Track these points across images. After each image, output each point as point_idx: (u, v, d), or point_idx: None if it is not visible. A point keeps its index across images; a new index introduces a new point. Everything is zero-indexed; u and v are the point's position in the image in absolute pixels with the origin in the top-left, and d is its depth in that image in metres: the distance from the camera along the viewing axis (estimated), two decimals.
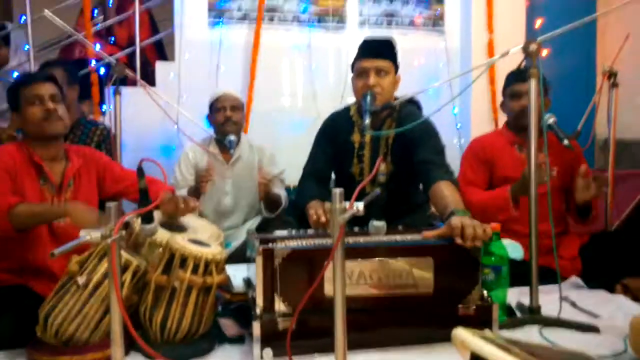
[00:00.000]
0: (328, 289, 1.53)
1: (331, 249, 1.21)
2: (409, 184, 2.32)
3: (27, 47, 3.33)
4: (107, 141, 2.68)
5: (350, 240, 1.65)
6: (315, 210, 1.97)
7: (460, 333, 1.22)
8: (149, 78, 3.33)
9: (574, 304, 1.97)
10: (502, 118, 3.41)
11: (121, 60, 2.64)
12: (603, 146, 3.55)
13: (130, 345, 1.56)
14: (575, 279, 2.22)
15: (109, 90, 2.54)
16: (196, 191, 2.66)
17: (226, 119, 2.76)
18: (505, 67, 2.57)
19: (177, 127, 2.65)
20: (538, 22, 3.62)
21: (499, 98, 2.60)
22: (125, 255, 1.61)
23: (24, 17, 3.29)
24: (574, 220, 2.46)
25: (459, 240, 1.60)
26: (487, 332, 1.29)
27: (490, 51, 3.62)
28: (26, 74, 2.26)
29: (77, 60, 3.65)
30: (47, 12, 2.29)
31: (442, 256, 1.63)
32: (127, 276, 1.60)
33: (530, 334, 1.71)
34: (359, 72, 2.19)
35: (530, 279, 1.85)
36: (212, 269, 1.60)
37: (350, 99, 2.48)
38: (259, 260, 1.55)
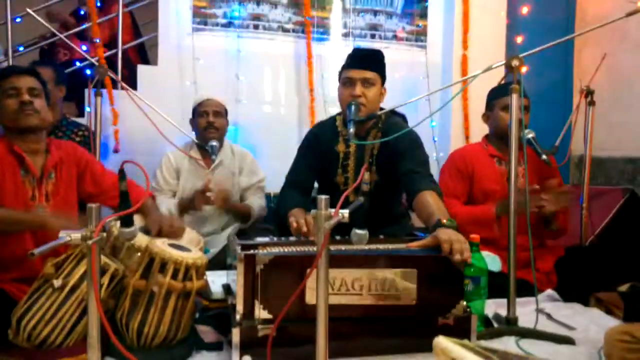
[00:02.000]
0: (309, 297, 1.53)
1: (314, 256, 1.20)
2: (392, 194, 2.34)
3: (20, 48, 3.30)
4: (89, 143, 2.64)
5: (333, 248, 1.65)
6: (297, 219, 1.96)
7: (442, 342, 1.23)
8: (131, 81, 3.30)
9: (549, 316, 2.00)
10: (475, 132, 3.50)
11: (102, 62, 2.62)
12: (578, 163, 3.63)
13: (105, 351, 1.53)
14: (551, 292, 2.25)
15: (90, 91, 2.51)
16: (189, 204, 2.63)
17: (208, 124, 2.74)
18: (481, 83, 2.61)
19: (159, 131, 2.62)
20: (518, 39, 3.72)
21: (474, 112, 2.64)
22: (103, 258, 1.58)
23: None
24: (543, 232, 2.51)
25: (445, 252, 1.61)
26: (466, 341, 1.31)
27: (464, 67, 3.69)
28: (7, 67, 2.22)
29: (64, 62, 3.60)
30: (31, 11, 2.26)
31: (426, 267, 1.62)
32: (105, 280, 1.58)
33: (507, 345, 1.73)
34: (345, 82, 2.20)
35: (507, 291, 1.87)
36: (192, 274, 1.58)
37: (334, 110, 2.49)
38: (240, 266, 1.54)
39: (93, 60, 2.55)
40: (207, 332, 1.76)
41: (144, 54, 4.06)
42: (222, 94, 2.99)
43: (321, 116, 3.36)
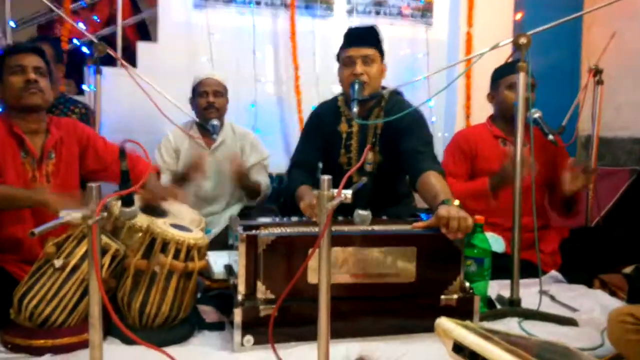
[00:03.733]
0: (311, 277, 1.52)
1: (316, 237, 1.19)
2: (395, 174, 2.31)
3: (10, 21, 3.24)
4: (87, 120, 2.61)
5: (335, 228, 1.63)
6: (311, 202, 1.88)
7: (444, 322, 1.23)
8: (130, 58, 3.25)
9: (553, 298, 2.00)
10: (477, 112, 3.45)
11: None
12: (585, 143, 3.59)
13: (107, 331, 1.53)
14: (554, 273, 2.24)
15: (89, 69, 2.47)
16: (182, 179, 2.61)
17: (208, 105, 2.70)
18: (486, 61, 2.56)
19: (158, 109, 2.58)
20: (523, 16, 3.64)
21: (477, 91, 2.59)
22: (104, 238, 1.58)
23: None
24: (558, 214, 2.49)
25: (443, 230, 1.60)
26: (468, 322, 1.30)
27: (469, 44, 3.63)
28: (13, 44, 2.18)
29: (57, 38, 3.55)
30: None
31: (425, 246, 1.63)
32: (106, 260, 1.58)
33: (509, 326, 1.73)
34: (345, 61, 2.17)
35: (511, 272, 1.86)
36: (193, 254, 1.58)
37: (336, 88, 2.44)
38: (242, 246, 1.53)
39: (92, 37, 2.50)
40: (209, 312, 1.76)
41: (144, 31, 4.00)
42: (226, 71, 2.96)
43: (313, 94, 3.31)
